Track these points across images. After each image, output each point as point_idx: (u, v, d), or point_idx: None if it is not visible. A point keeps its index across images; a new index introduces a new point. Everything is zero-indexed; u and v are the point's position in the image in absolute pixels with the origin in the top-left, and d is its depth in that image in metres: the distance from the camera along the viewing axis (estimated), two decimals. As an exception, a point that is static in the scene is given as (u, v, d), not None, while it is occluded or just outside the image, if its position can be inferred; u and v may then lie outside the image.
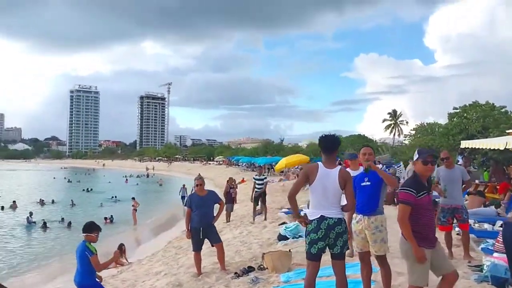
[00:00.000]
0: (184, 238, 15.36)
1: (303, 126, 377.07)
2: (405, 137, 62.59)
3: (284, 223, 12.11)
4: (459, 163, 13.52)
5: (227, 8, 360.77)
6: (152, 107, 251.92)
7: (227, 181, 20.19)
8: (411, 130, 60.37)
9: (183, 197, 28.63)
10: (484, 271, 5.50)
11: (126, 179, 60.08)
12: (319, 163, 4.43)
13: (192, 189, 29.21)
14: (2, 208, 27.52)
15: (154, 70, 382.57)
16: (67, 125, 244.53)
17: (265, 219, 13.95)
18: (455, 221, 6.98)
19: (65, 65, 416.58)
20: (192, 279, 7.34)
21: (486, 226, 8.82)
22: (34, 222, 22.01)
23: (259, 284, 6.30)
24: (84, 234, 5.91)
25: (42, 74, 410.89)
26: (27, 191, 42.10)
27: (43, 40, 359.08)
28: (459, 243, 7.28)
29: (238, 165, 66.04)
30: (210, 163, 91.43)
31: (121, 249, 12.86)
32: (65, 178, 65.65)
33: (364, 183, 4.92)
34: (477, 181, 15.19)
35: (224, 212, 12.19)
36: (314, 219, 4.32)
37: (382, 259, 4.91)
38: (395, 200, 11.54)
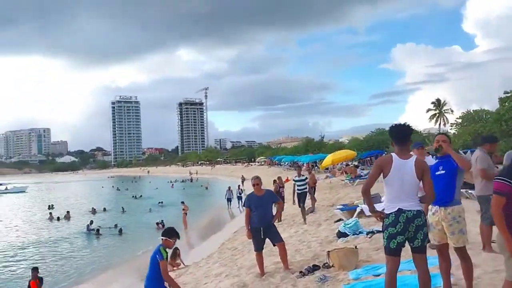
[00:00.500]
0: (238, 239, 15.55)
1: (342, 122, 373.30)
2: (451, 126, 60.79)
3: (340, 220, 11.93)
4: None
5: (256, 11, 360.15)
6: (191, 112, 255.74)
7: (274, 181, 20.15)
8: (456, 118, 58.87)
9: (229, 200, 28.81)
10: None
11: (172, 184, 61.22)
12: (393, 154, 4.25)
13: (237, 191, 29.68)
14: (58, 218, 28.68)
15: (190, 76, 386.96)
16: (111, 136, 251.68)
17: (313, 211, 13.62)
18: None
19: (104, 78, 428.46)
20: (256, 280, 7.27)
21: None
22: (94, 230, 22.83)
23: (328, 282, 6.15)
24: (163, 238, 5.82)
25: (84, 88, 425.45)
26: (78, 201, 43.62)
27: (81, 56, 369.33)
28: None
29: (280, 165, 65.93)
30: (251, 164, 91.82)
31: (176, 253, 13.06)
32: (113, 186, 67.62)
33: (438, 172, 4.69)
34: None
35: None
36: (391, 213, 4.14)
37: (461, 251, 4.68)
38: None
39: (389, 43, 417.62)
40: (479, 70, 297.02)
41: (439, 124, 70.62)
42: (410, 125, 4.44)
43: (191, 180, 72.09)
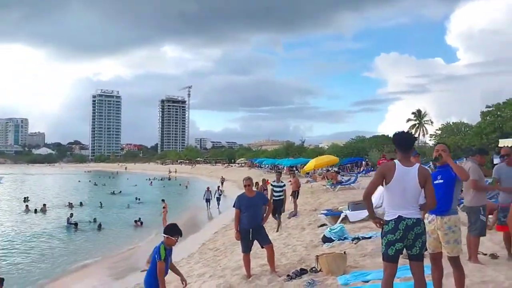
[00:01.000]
0: (219, 240, 15.46)
1: (323, 127, 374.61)
2: (430, 137, 61.73)
3: (324, 224, 11.95)
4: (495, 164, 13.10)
5: (245, 11, 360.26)
6: (173, 110, 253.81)
7: (257, 183, 20.06)
8: (436, 130, 59.84)
9: (207, 200, 28.58)
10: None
11: (151, 182, 60.53)
12: (396, 161, 4.24)
13: (215, 192, 29.53)
14: (35, 211, 28.11)
15: (174, 73, 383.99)
16: (90, 129, 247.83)
17: (295, 214, 13.64)
18: None
19: (86, 71, 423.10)
20: (243, 282, 7.19)
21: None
22: (73, 224, 22.40)
23: (316, 286, 6.11)
24: (165, 236, 5.61)
25: (65, 79, 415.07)
26: (54, 195, 42.81)
27: (64, 47, 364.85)
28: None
29: (261, 167, 65.96)
30: (232, 165, 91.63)
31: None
32: (90, 181, 66.60)
33: (437, 181, 4.72)
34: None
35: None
36: (391, 220, 4.13)
37: (455, 261, 4.74)
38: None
39: (373, 52, 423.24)
40: (460, 83, 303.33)
41: (418, 134, 71.65)
42: (412, 133, 4.46)
43: (169, 178, 71.39)
